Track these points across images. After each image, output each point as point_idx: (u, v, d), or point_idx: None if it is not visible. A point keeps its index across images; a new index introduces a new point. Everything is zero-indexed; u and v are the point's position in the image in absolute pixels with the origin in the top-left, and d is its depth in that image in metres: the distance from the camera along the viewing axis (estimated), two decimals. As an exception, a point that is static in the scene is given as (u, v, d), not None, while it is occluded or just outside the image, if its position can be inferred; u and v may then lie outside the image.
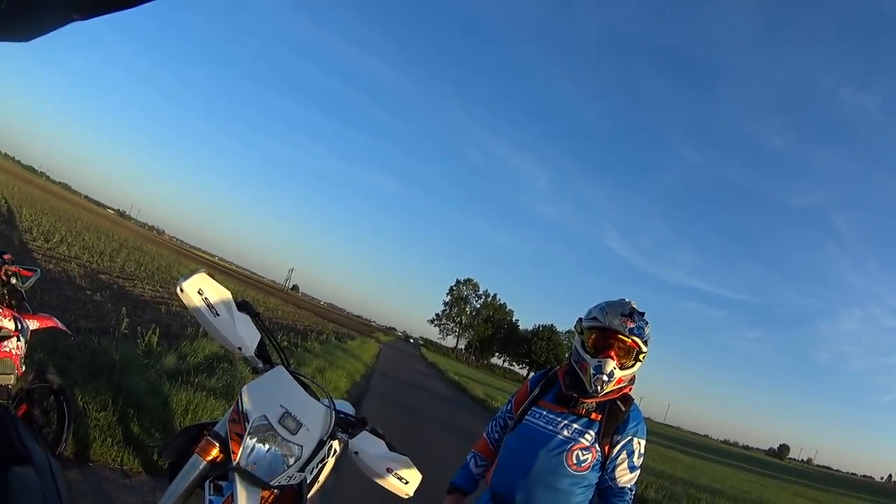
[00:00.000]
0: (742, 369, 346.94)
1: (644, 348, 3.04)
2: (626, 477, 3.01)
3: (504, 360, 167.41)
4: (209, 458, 2.90)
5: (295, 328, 31.71)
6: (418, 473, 3.55)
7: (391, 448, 3.48)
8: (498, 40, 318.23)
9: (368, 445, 3.38)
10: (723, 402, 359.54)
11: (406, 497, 3.58)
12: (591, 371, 3.00)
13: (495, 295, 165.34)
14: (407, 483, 3.49)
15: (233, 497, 2.76)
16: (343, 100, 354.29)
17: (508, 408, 3.47)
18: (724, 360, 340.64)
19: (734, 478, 43.09)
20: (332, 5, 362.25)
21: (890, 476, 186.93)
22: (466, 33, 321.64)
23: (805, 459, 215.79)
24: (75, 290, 14.00)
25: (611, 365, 2.98)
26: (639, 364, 3.08)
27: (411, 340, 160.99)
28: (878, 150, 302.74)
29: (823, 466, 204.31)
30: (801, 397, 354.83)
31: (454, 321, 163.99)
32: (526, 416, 3.18)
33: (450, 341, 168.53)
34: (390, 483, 3.45)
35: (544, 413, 3.12)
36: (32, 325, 4.63)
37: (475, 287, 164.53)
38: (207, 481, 2.89)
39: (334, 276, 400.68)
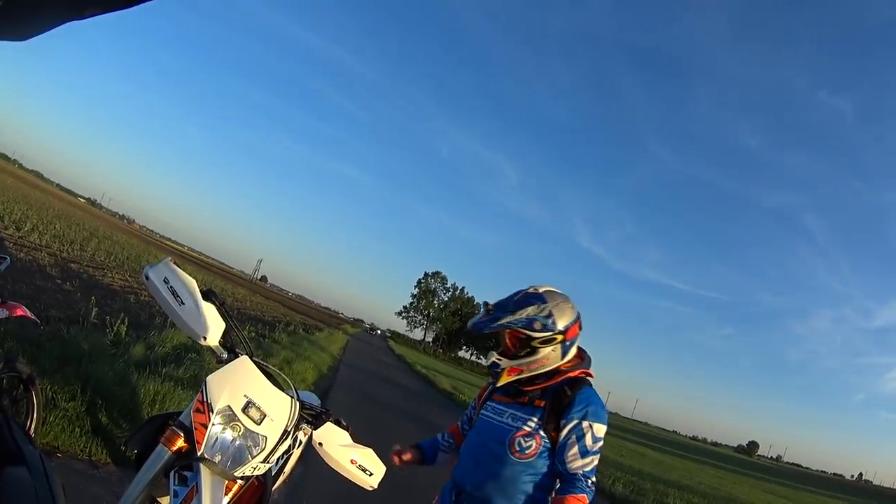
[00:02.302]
0: (711, 366, 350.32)
1: (533, 335, 3.02)
2: (577, 462, 2.92)
3: (471, 354, 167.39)
4: (174, 448, 2.89)
5: (263, 319, 31.56)
6: (382, 465, 3.55)
7: (355, 440, 3.50)
8: (470, 33, 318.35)
9: (332, 437, 3.35)
10: (691, 399, 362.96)
11: (370, 489, 3.59)
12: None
13: (463, 288, 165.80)
14: (371, 475, 3.49)
15: (197, 487, 2.77)
16: (313, 90, 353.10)
17: (475, 403, 3.52)
18: (694, 357, 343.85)
19: (703, 474, 43.36)
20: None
21: (860, 474, 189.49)
22: (438, 26, 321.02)
23: (774, 456, 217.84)
24: (45, 279, 13.84)
25: (491, 357, 3.12)
26: (542, 350, 3.05)
27: (378, 332, 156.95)
28: (852, 153, 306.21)
29: (793, 464, 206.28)
30: (771, 395, 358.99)
31: (422, 314, 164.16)
32: (481, 411, 3.26)
33: (417, 334, 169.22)
34: (354, 475, 3.45)
35: (494, 405, 3.18)
36: (2, 313, 4.60)
37: (443, 280, 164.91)
38: (172, 471, 2.89)
39: (303, 268, 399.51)
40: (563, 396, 3.02)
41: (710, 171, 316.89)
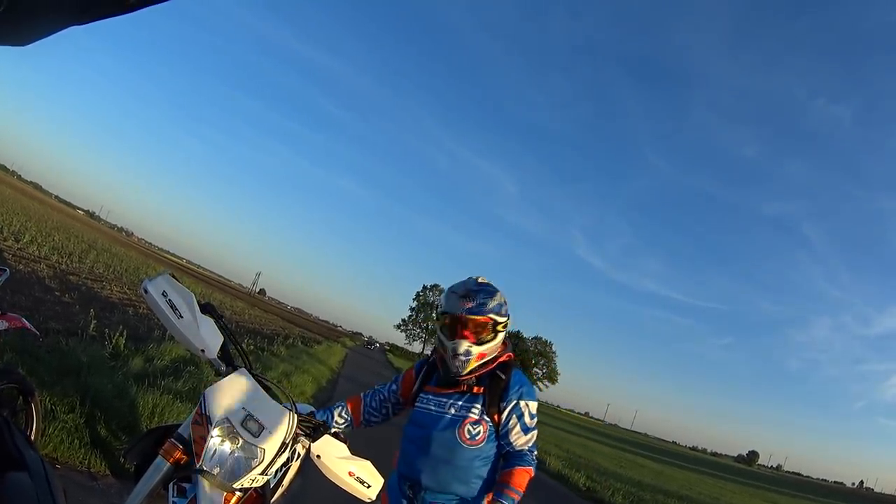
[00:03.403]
0: (711, 376, 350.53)
1: (499, 319, 3.21)
2: (521, 439, 3.15)
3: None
4: (173, 460, 2.91)
5: (261, 332, 31.35)
6: (380, 477, 3.56)
7: (353, 452, 3.51)
8: (468, 46, 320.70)
9: (330, 449, 3.37)
10: (691, 409, 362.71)
11: (368, 500, 3.60)
12: (450, 353, 3.20)
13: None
14: (369, 487, 3.50)
15: (196, 499, 2.78)
16: (312, 103, 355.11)
17: (394, 388, 3.62)
18: (694, 367, 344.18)
19: (703, 484, 43.32)
20: (300, 6, 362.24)
21: (861, 482, 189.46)
22: (436, 38, 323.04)
23: (775, 466, 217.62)
24: (44, 290, 13.83)
25: (464, 345, 3.17)
26: (500, 335, 3.24)
27: (376, 345, 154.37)
28: (850, 161, 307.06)
29: (793, 472, 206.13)
30: (771, 404, 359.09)
31: (420, 327, 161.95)
32: (416, 404, 3.36)
33: (416, 347, 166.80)
34: (352, 487, 3.46)
35: (432, 397, 3.30)
36: (1, 325, 4.62)
37: (442, 293, 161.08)
38: (171, 483, 2.90)
39: (301, 281, 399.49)
40: (499, 381, 3.22)
41: (709, 180, 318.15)
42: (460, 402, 3.19)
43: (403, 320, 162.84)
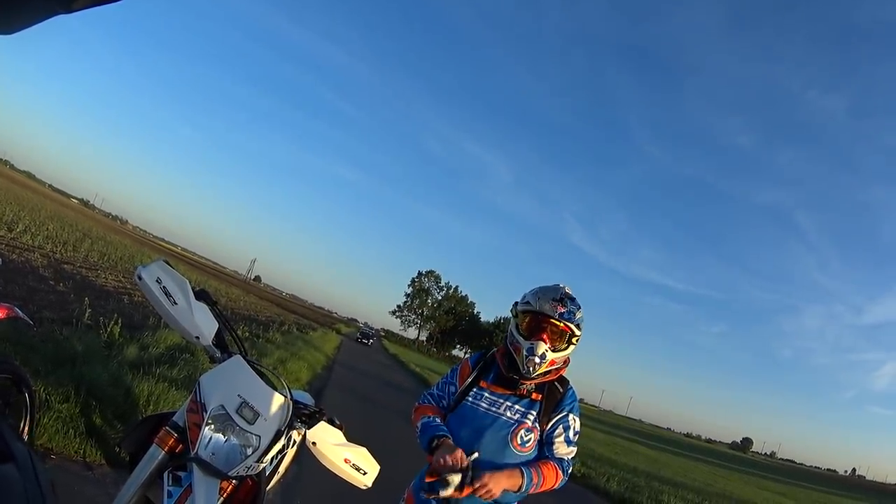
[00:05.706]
0: (705, 363, 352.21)
1: (577, 332, 3.14)
2: (564, 449, 3.08)
3: (465, 352, 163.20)
4: (168, 448, 2.90)
5: (257, 319, 31.39)
6: (376, 464, 3.56)
7: (349, 439, 3.50)
8: (463, 33, 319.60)
9: (326, 436, 3.35)
10: (686, 396, 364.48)
11: (364, 488, 3.59)
12: (524, 353, 3.09)
13: (457, 287, 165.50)
14: (365, 474, 3.50)
15: (191, 488, 2.77)
16: (305, 89, 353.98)
17: (452, 390, 3.39)
18: (687, 354, 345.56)
19: (697, 471, 43.53)
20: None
21: (854, 470, 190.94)
22: (431, 24, 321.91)
23: (768, 453, 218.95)
24: (38, 280, 13.76)
25: (542, 347, 3.06)
26: (572, 347, 3.18)
27: (373, 338, 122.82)
28: (843, 151, 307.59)
29: (787, 460, 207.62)
30: (764, 392, 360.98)
31: (416, 313, 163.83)
32: (467, 398, 3.22)
33: (411, 333, 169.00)
34: (348, 474, 3.46)
35: (486, 395, 3.18)
36: (-6, 315, 4.58)
37: (437, 279, 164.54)
38: (166, 472, 2.88)
39: (297, 267, 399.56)
40: (556, 392, 3.17)
41: (702, 168, 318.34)
42: (517, 407, 3.11)
43: (399, 306, 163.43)
